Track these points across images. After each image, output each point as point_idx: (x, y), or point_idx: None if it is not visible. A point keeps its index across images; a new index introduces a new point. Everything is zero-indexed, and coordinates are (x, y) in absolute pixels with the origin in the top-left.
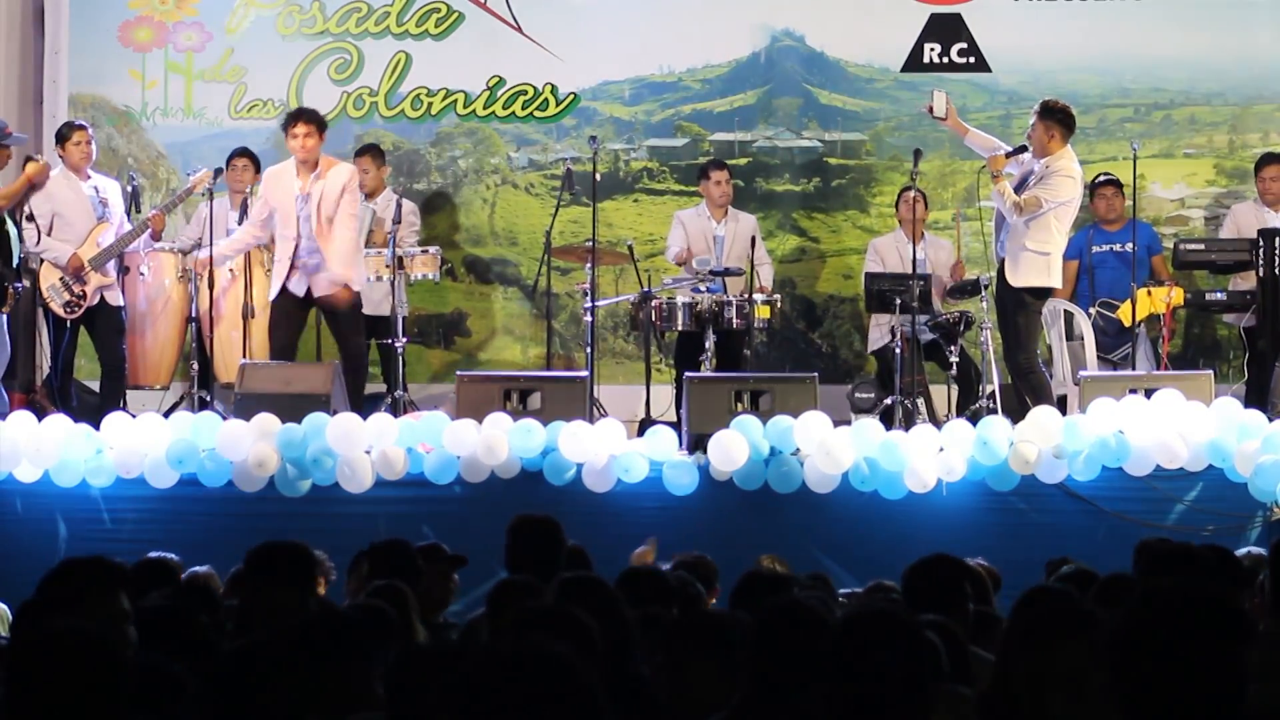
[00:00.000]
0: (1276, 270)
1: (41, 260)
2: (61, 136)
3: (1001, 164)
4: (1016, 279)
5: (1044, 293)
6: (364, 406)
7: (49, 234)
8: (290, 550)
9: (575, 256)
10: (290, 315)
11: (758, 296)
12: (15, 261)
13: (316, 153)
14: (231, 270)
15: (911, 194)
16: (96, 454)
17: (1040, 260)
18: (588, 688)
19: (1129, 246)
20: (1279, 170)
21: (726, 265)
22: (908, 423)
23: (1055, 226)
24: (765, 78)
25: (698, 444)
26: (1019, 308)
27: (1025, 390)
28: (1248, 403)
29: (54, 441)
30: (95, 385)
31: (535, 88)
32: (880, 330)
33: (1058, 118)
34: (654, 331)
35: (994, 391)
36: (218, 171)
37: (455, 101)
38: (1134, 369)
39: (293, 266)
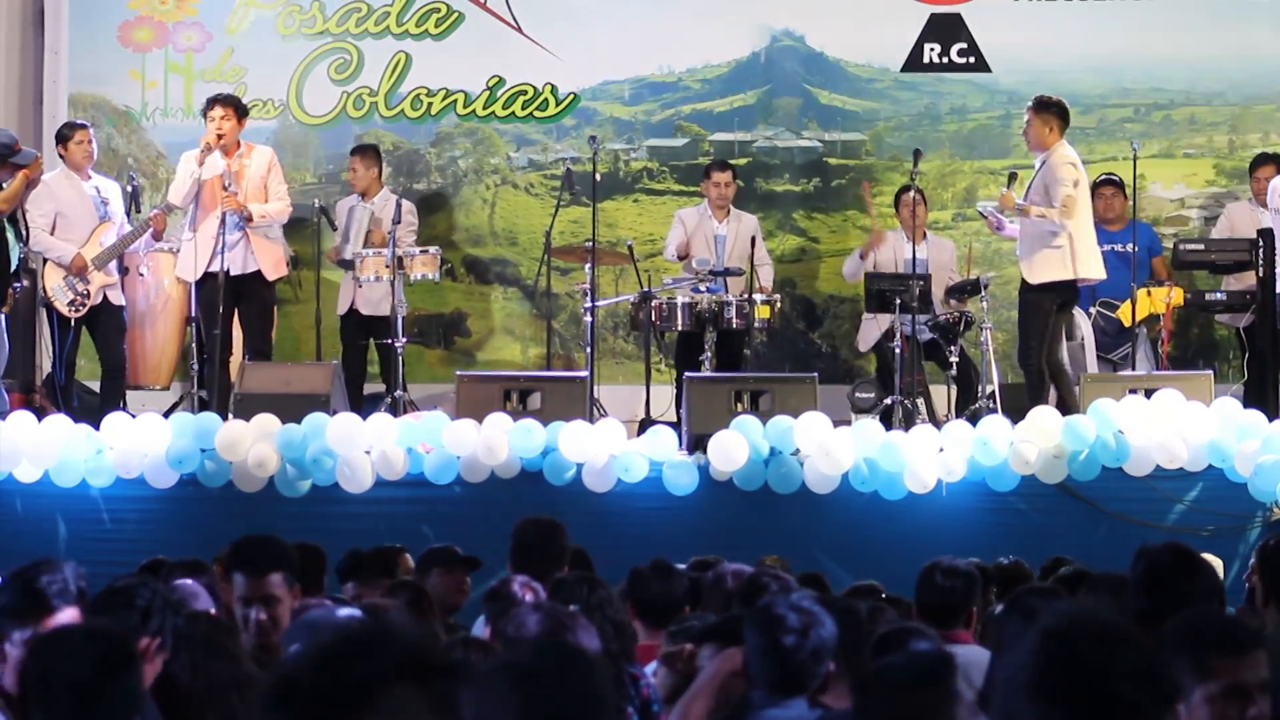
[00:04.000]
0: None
1: (44, 260)
2: (63, 136)
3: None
4: (1032, 276)
5: (1054, 286)
6: (364, 406)
7: (52, 233)
8: None
9: (575, 256)
10: None
11: (758, 296)
12: (14, 264)
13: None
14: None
15: (911, 194)
16: (96, 454)
17: (1055, 254)
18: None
19: (1129, 247)
20: (1273, 170)
21: (727, 265)
22: (908, 423)
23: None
24: (765, 78)
25: (698, 444)
26: (1022, 302)
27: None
28: (1247, 403)
29: (54, 441)
30: (95, 385)
31: (535, 88)
32: (875, 327)
33: (1054, 111)
34: (654, 331)
35: (994, 391)
36: None
37: (455, 101)
38: (1134, 369)
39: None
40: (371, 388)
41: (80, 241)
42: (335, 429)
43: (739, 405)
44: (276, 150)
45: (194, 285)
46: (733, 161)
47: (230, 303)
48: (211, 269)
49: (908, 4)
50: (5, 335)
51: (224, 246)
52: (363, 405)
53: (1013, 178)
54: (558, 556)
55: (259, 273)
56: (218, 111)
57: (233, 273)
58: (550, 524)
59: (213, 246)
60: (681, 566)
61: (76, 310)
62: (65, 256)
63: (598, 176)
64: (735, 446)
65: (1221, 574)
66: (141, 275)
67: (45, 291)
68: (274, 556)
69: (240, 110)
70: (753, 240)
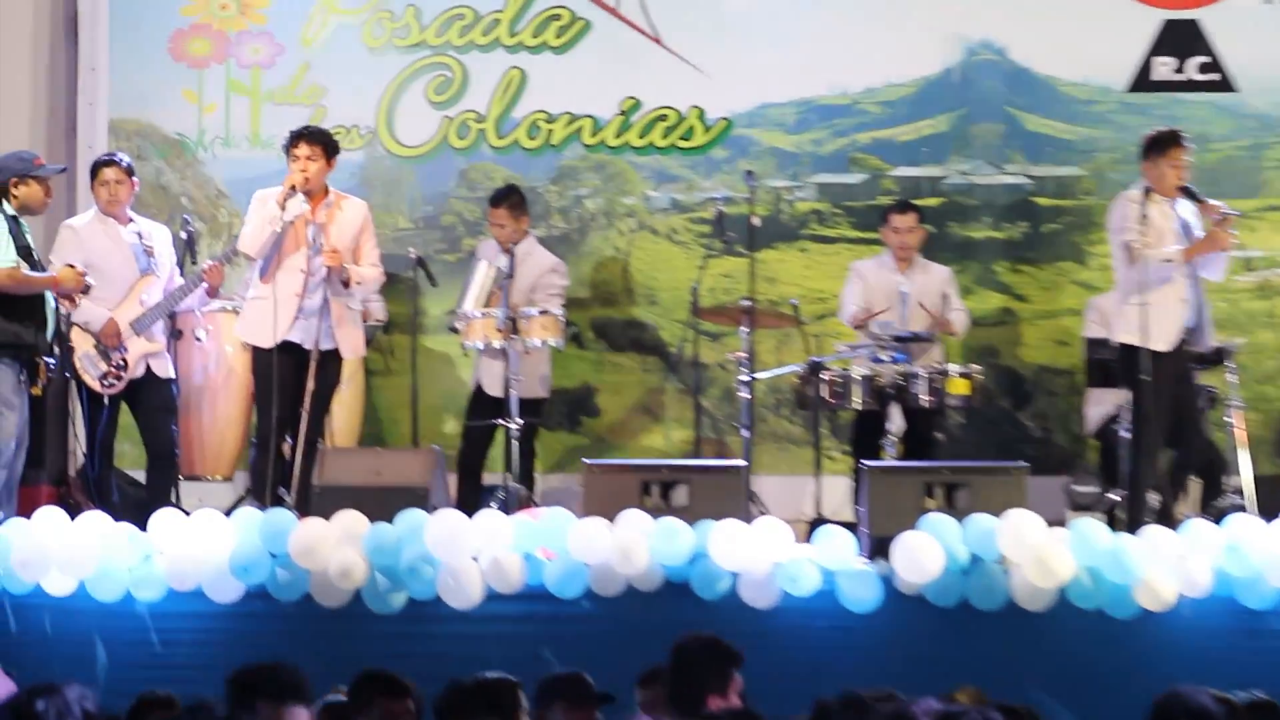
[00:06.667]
0: None
1: (71, 324)
2: (93, 172)
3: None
4: None
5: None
6: (478, 501)
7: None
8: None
9: (728, 318)
10: None
11: (952, 368)
12: (51, 329)
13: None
14: None
15: None
16: (143, 561)
17: None
18: None
19: None
20: None
21: (914, 329)
22: (1139, 524)
23: None
24: (960, 99)
25: (880, 549)
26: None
27: None
28: None
29: (91, 545)
30: (140, 476)
31: (678, 112)
32: (1102, 407)
33: None
34: (825, 410)
35: (1246, 484)
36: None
37: (581, 129)
38: None
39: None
40: (493, 479)
41: (115, 300)
42: (436, 530)
43: (931, 501)
44: (364, 188)
45: (256, 350)
46: (919, 202)
47: (295, 374)
48: (293, 338)
49: (1135, 9)
50: (25, 417)
51: (303, 312)
52: (478, 500)
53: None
54: (723, 683)
55: (335, 352)
56: (303, 150)
57: (306, 346)
58: (715, 643)
59: (296, 306)
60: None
61: (110, 386)
62: (95, 321)
63: (756, 220)
64: (926, 552)
65: None
66: (198, 340)
67: (73, 363)
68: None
69: (330, 149)
70: (944, 297)
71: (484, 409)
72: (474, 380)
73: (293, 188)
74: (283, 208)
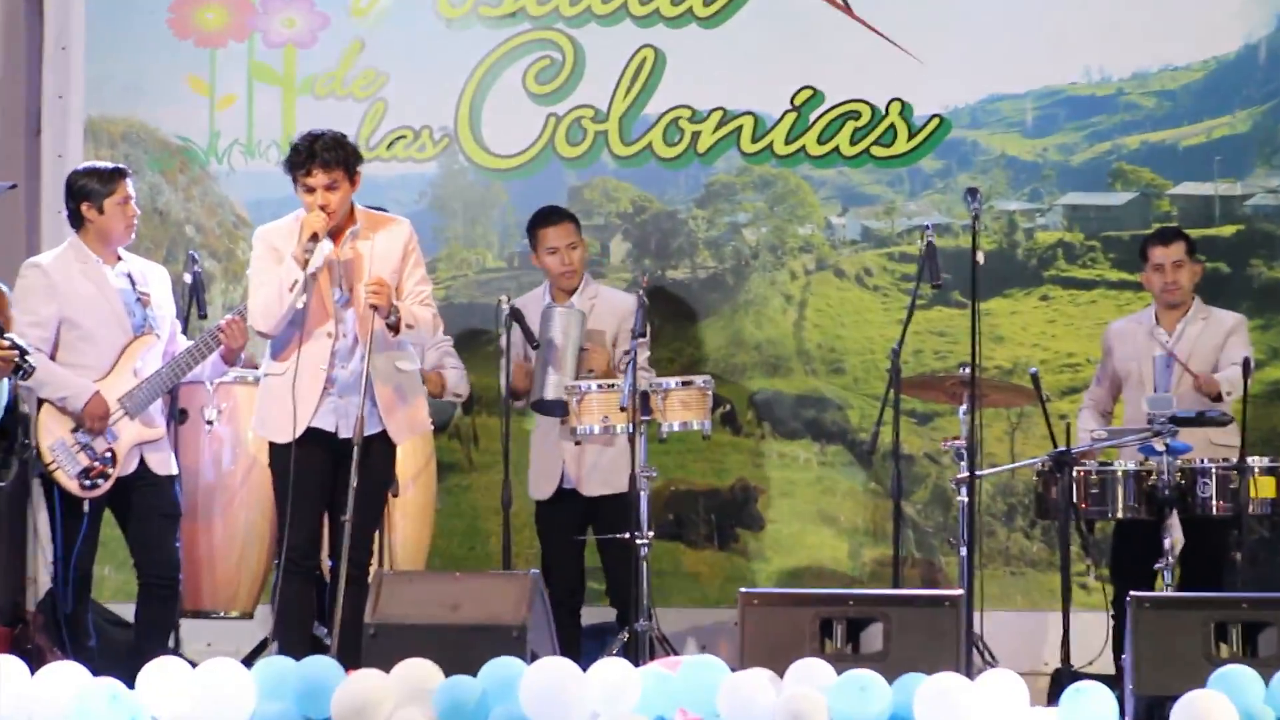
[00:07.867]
0: None
1: (40, 402)
2: (87, 191)
3: None
4: None
5: None
6: (583, 646)
7: (52, 357)
8: None
9: (941, 393)
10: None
11: (1255, 461)
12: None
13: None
14: None
15: None
16: None
17: None
18: None
19: None
20: None
21: (1200, 409)
22: None
23: None
24: (1266, 89)
25: (1152, 713)
26: None
27: None
28: None
29: (58, 706)
30: (127, 611)
31: (874, 107)
32: None
33: None
34: (1077, 520)
35: None
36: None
37: (738, 131)
38: None
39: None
40: (596, 615)
41: (101, 369)
42: (536, 684)
43: (1224, 648)
44: (437, 212)
45: (274, 445)
46: (1208, 232)
47: (329, 472)
48: (322, 424)
49: None
50: None
51: (336, 385)
52: (581, 644)
53: None
54: None
55: (383, 435)
56: (319, 178)
57: (342, 435)
58: None
59: (324, 379)
60: None
61: (93, 486)
62: (77, 397)
63: (981, 257)
64: (1218, 718)
65: None
66: (209, 425)
67: (41, 455)
68: None
69: (351, 163)
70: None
71: (569, 515)
72: (546, 473)
73: (314, 235)
74: (304, 265)
